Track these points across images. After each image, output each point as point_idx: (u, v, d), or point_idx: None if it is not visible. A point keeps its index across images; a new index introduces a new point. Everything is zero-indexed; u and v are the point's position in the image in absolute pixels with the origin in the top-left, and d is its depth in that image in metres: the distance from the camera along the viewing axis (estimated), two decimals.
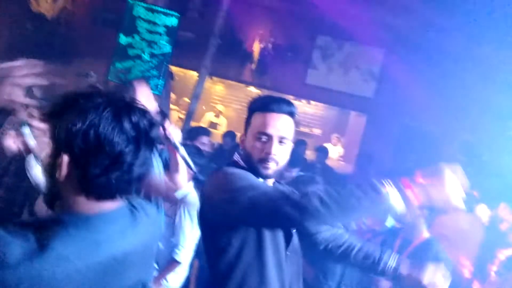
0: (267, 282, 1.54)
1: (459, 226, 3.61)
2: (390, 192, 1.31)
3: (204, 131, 4.35)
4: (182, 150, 2.27)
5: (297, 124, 1.69)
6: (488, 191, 4.40)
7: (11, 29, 6.57)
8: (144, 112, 1.07)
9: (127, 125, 1.00)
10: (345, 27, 6.47)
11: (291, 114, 1.64)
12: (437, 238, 2.57)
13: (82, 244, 0.97)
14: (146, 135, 1.04)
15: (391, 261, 1.64)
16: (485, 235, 3.87)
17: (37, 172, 2.38)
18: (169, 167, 2.52)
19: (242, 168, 1.62)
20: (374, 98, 7.42)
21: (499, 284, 3.43)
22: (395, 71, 6.65)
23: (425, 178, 1.38)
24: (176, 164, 2.46)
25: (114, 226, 1.04)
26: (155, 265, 2.61)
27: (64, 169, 0.98)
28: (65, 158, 0.98)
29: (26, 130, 1.56)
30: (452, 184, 1.36)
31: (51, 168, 1.01)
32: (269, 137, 1.59)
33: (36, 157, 1.73)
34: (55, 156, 1.00)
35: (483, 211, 4.21)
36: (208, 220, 1.66)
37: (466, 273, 3.54)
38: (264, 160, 1.59)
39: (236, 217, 1.50)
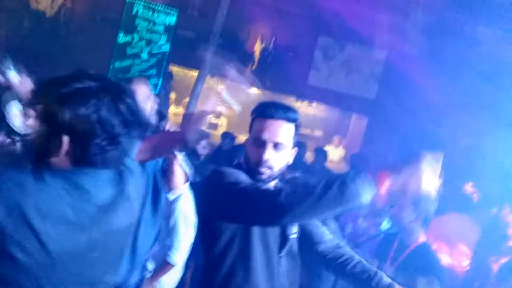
0: (253, 278, 1.60)
1: (456, 227, 3.61)
2: (360, 186, 1.33)
3: (202, 134, 4.33)
4: (179, 154, 2.27)
5: (298, 129, 1.71)
6: (490, 193, 4.37)
7: (9, 26, 6.56)
8: (134, 96, 1.23)
9: (123, 109, 1.17)
10: (347, 28, 6.44)
11: (290, 120, 1.66)
12: (435, 239, 2.56)
13: (70, 189, 1.14)
14: (138, 117, 1.21)
15: (385, 278, 1.67)
16: (483, 237, 3.85)
17: (15, 117, 2.36)
18: (166, 169, 2.50)
19: (242, 169, 1.68)
20: (376, 100, 7.38)
21: None
22: (397, 73, 6.61)
23: (403, 166, 1.40)
24: (172, 166, 2.44)
25: (99, 181, 1.21)
26: (151, 266, 2.59)
27: (64, 148, 1.13)
28: (66, 139, 1.13)
29: (11, 71, 1.58)
30: (428, 171, 1.38)
31: (44, 145, 1.14)
32: (263, 143, 1.63)
33: (17, 98, 1.74)
34: (50, 135, 1.13)
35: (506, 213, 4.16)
36: (202, 211, 1.79)
37: (465, 263, 3.50)
38: (258, 164, 1.63)
39: (219, 210, 1.61)
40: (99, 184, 1.21)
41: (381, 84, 7.33)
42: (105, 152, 1.15)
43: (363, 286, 1.70)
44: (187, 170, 2.38)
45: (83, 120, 1.11)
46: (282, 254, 1.68)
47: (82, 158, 1.15)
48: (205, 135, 4.38)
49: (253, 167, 1.65)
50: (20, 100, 1.80)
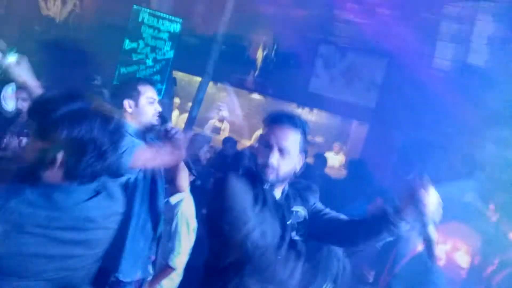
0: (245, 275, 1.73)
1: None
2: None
3: (205, 140, 4.37)
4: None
5: (305, 138, 1.84)
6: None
7: (20, 30, 6.66)
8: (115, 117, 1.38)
9: (111, 129, 1.32)
10: (348, 36, 6.50)
11: (296, 128, 1.80)
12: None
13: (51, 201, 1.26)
14: (121, 135, 1.38)
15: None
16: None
17: (8, 99, 2.43)
18: (170, 170, 2.56)
19: (251, 172, 1.82)
20: (376, 108, 7.43)
21: None
22: (397, 81, 6.65)
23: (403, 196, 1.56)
24: (178, 168, 2.50)
25: (78, 195, 1.33)
26: (151, 271, 2.64)
27: (58, 163, 1.25)
28: (60, 155, 1.25)
29: (12, 56, 1.64)
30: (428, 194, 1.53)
31: (37, 161, 1.26)
32: (270, 147, 1.77)
33: (15, 85, 1.79)
34: (44, 151, 1.25)
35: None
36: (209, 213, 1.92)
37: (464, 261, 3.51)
38: (264, 166, 1.76)
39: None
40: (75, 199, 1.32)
41: (381, 91, 7.38)
42: (94, 167, 1.30)
43: (380, 225, 1.74)
44: (193, 170, 2.45)
45: (78, 139, 1.25)
46: (280, 256, 1.76)
47: (73, 173, 1.28)
48: (207, 140, 4.41)
49: (260, 169, 1.78)
50: (14, 82, 1.87)
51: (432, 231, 1.60)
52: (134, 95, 2.40)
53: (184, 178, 2.61)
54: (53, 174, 1.27)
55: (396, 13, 6.40)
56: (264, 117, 1.89)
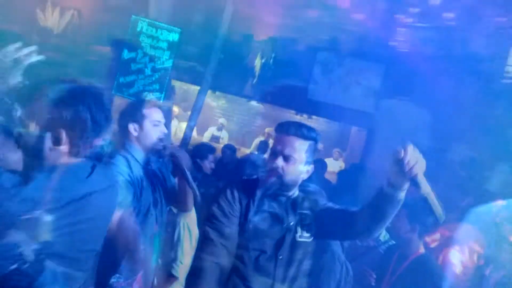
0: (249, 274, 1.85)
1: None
2: None
3: (210, 150, 4.32)
4: (189, 174, 2.36)
5: (313, 147, 1.97)
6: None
7: (18, 40, 6.65)
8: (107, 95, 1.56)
9: (106, 110, 1.49)
10: (345, 42, 6.55)
11: (302, 137, 1.92)
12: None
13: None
14: (110, 113, 1.53)
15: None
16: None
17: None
18: (175, 191, 2.55)
19: (254, 179, 2.01)
20: (375, 114, 7.46)
21: None
22: (395, 87, 6.69)
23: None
24: (185, 188, 2.50)
25: (75, 174, 1.45)
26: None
27: (63, 140, 1.39)
28: (63, 133, 1.40)
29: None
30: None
31: (39, 139, 1.38)
32: (276, 153, 1.90)
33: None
34: (47, 131, 1.39)
35: None
36: None
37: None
38: (270, 171, 1.89)
39: None
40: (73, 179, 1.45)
41: (379, 97, 7.41)
42: (90, 142, 1.46)
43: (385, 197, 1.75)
44: (197, 192, 2.46)
45: (79, 116, 1.40)
46: (281, 256, 1.87)
47: (73, 148, 1.43)
48: (212, 149, 4.36)
49: (267, 174, 1.91)
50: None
51: (425, 186, 1.63)
52: (139, 119, 2.39)
53: (190, 199, 2.61)
54: (58, 154, 1.41)
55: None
56: (275, 126, 2.01)
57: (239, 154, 6.47)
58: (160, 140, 2.42)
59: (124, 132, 2.39)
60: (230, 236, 1.86)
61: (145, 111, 2.42)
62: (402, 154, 1.58)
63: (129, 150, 2.34)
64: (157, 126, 2.43)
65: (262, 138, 9.32)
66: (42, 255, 1.30)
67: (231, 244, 1.86)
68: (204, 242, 1.89)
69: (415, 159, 1.58)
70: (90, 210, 1.45)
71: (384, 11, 6.56)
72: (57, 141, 1.39)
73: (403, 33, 6.46)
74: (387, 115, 6.97)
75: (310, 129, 1.95)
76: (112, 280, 2.23)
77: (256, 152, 8.03)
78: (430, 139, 6.49)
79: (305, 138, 1.92)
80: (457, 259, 2.74)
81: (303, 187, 2.03)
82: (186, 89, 9.03)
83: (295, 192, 1.98)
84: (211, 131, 9.32)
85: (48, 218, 1.30)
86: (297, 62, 7.39)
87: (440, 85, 5.80)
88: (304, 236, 1.93)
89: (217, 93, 8.72)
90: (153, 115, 2.44)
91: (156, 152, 2.43)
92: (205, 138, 9.05)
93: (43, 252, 1.30)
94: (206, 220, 1.92)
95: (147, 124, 2.40)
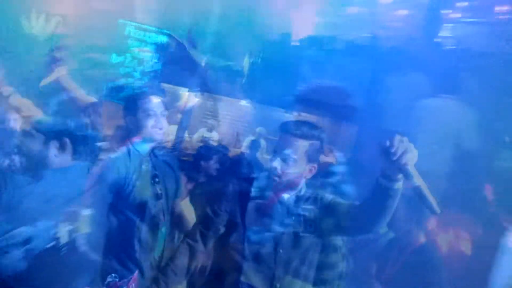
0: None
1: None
2: None
3: (215, 151, 4.29)
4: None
5: (318, 147, 1.88)
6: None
7: (2, 49, 6.57)
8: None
9: (98, 110, 1.57)
10: (332, 39, 6.55)
11: (304, 137, 1.97)
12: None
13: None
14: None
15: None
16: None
17: None
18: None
19: (247, 178, 2.07)
20: (365, 109, 7.48)
21: None
22: (386, 82, 6.69)
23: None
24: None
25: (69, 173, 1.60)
26: None
27: (68, 147, 1.55)
28: (68, 141, 1.59)
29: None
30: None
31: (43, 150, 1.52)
32: (274, 153, 1.96)
33: None
34: (52, 139, 1.58)
35: None
36: None
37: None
38: (269, 171, 1.97)
39: None
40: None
41: (370, 92, 7.42)
42: (90, 144, 1.62)
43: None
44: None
45: (82, 125, 1.54)
46: (281, 250, 1.94)
47: (79, 152, 1.59)
48: (217, 151, 4.31)
49: (267, 174, 1.98)
50: None
51: (416, 177, 1.67)
52: (133, 111, 2.41)
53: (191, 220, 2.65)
54: (62, 158, 1.59)
55: None
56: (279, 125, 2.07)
57: (231, 155, 6.46)
58: (159, 129, 2.44)
59: (125, 125, 2.43)
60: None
61: (139, 101, 2.45)
62: (388, 144, 1.61)
63: (131, 141, 2.38)
64: (149, 116, 2.45)
65: (253, 138, 9.30)
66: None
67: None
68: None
69: (403, 148, 1.60)
70: None
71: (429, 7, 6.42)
72: (62, 147, 1.55)
73: (449, 29, 6.30)
74: (429, 114, 6.88)
75: (312, 128, 1.94)
76: (109, 279, 2.23)
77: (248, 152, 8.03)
78: (476, 141, 6.41)
79: (306, 138, 1.91)
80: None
81: (312, 184, 2.04)
82: (174, 91, 8.99)
83: (301, 190, 2.00)
84: (201, 132, 9.28)
85: (87, 212, 1.42)
86: (285, 60, 7.40)
87: (489, 84, 5.71)
88: (307, 231, 1.93)
89: (206, 94, 8.70)
90: (145, 105, 2.47)
91: (160, 145, 2.46)
92: (195, 139, 9.02)
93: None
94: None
95: (139, 115, 2.43)
